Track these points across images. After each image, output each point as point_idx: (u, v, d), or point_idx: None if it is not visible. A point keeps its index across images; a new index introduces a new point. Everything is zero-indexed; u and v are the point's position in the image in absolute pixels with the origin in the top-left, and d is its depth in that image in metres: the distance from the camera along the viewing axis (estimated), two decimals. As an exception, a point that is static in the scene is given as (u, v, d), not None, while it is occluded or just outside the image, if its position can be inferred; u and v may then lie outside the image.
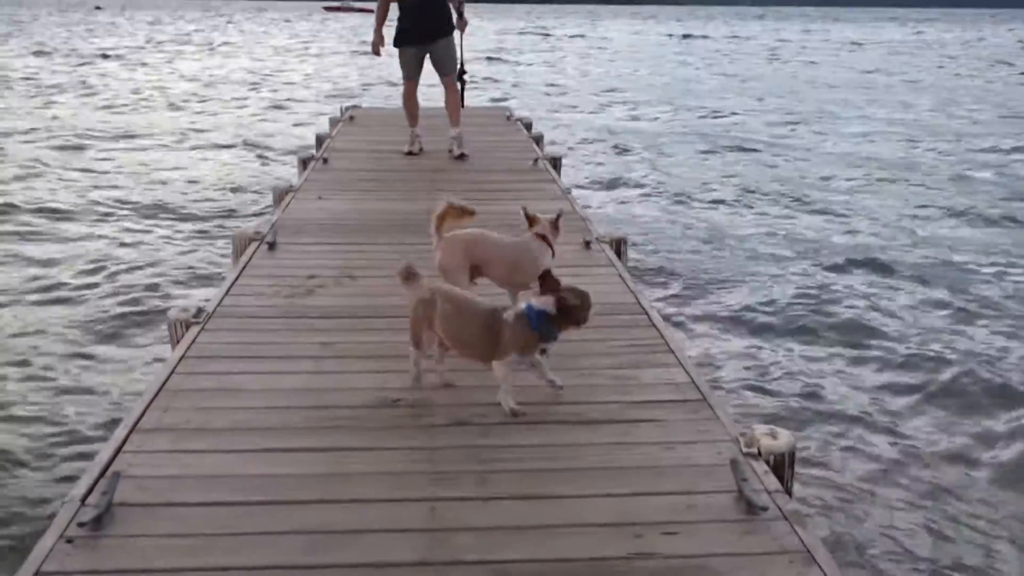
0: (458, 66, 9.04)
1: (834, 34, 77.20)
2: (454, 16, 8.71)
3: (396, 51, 8.74)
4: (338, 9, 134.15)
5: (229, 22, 77.85)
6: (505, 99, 22.12)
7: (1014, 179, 14.23)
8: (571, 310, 3.49)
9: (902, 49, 57.71)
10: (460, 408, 3.55)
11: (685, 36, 67.12)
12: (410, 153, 9.10)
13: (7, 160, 14.06)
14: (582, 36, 64.60)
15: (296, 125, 18.87)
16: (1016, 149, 17.21)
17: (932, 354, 6.95)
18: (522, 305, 3.56)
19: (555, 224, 4.51)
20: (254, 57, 39.41)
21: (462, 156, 8.85)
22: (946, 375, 6.58)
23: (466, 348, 3.62)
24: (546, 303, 3.49)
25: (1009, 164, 15.70)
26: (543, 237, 4.46)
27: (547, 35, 64.49)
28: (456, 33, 8.80)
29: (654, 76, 33.07)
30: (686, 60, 42.19)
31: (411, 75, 8.89)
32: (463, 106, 9.20)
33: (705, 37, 66.84)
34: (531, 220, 4.50)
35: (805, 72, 36.13)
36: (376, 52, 8.98)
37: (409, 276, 3.72)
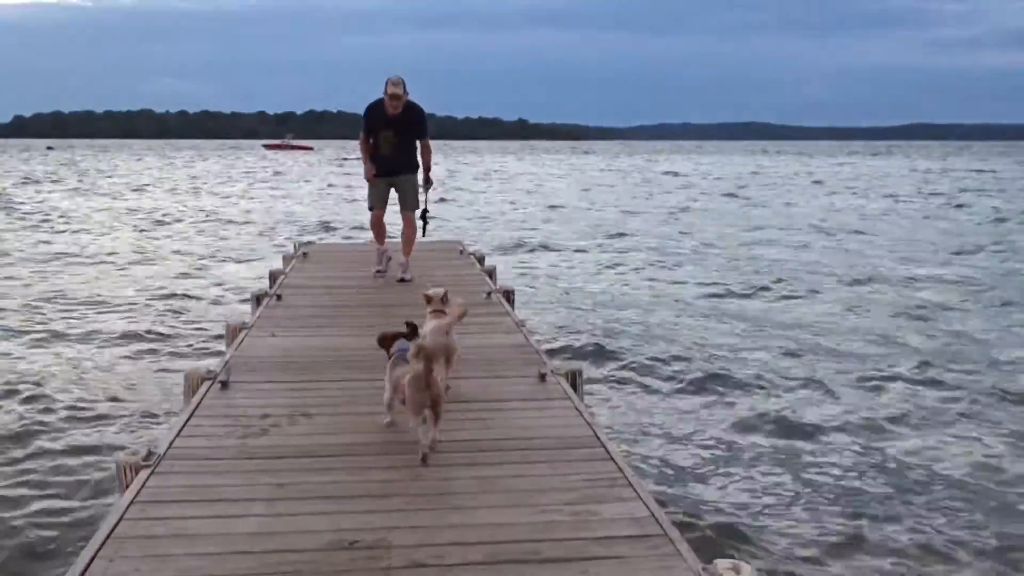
0: (419, 205, 9.82)
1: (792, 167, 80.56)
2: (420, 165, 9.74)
3: (367, 184, 9.79)
4: (278, 147, 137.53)
5: (171, 162, 79.50)
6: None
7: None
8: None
9: (821, 176, 60.35)
10: (417, 549, 3.49)
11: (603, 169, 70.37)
12: (379, 272, 9.91)
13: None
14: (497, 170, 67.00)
15: (241, 262, 18.91)
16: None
17: (891, 485, 7.01)
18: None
19: (444, 298, 5.71)
20: (195, 194, 39.98)
21: (403, 280, 9.59)
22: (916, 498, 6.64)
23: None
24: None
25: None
26: (439, 311, 5.61)
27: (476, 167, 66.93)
28: (420, 173, 9.74)
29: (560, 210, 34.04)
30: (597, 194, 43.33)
31: (379, 203, 9.79)
32: (423, 236, 10.11)
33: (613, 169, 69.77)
34: (428, 299, 5.74)
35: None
36: (369, 178, 9.70)
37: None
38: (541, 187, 49.05)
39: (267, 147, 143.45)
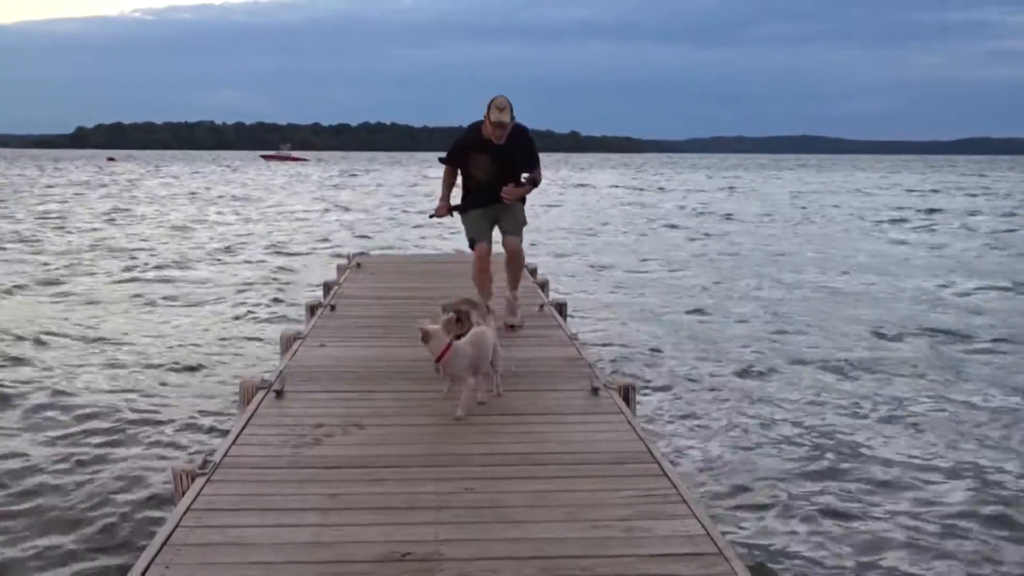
0: (523, 228, 8.08)
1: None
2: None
3: (459, 217, 7.96)
4: (274, 158, 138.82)
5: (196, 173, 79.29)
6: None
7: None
8: None
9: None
10: (469, 562, 3.47)
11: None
12: None
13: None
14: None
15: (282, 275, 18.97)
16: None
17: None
18: None
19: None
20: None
21: (512, 327, 7.80)
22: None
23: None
24: None
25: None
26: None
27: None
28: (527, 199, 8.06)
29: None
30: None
31: (481, 235, 7.89)
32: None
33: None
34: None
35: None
36: (440, 215, 8.00)
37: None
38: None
39: (265, 157, 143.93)
